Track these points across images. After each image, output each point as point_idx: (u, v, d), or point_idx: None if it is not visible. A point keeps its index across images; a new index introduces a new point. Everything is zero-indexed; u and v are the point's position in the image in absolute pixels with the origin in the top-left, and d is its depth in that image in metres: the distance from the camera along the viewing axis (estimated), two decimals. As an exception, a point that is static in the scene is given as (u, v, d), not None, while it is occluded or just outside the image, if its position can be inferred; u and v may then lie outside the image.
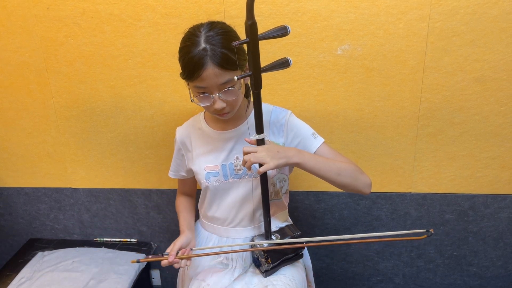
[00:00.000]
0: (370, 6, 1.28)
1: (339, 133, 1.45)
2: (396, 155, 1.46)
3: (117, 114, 1.51)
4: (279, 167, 0.97)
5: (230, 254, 1.17)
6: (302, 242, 1.14)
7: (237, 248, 1.15)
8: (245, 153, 0.98)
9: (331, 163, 1.04)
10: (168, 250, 1.06)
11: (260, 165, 0.96)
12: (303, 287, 1.15)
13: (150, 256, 1.03)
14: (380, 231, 1.58)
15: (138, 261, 1.03)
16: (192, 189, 1.32)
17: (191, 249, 1.10)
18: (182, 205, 1.27)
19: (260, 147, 0.98)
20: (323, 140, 1.12)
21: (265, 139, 1.01)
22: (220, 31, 0.97)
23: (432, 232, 0.99)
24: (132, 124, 1.52)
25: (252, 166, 1.00)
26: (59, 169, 1.64)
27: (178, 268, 1.29)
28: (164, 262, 1.03)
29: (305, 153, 1.03)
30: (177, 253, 1.05)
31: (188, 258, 1.06)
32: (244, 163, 0.97)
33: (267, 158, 0.95)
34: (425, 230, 0.99)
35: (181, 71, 1.01)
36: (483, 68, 1.32)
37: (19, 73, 1.49)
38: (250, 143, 1.02)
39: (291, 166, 1.17)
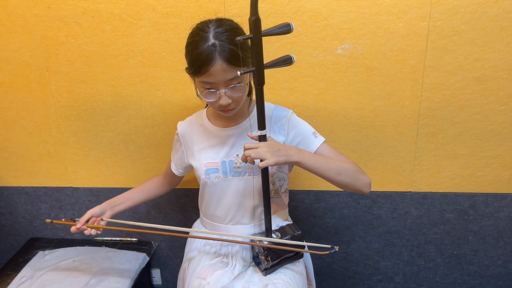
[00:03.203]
0: (371, 5, 1.28)
1: (339, 132, 1.45)
2: (396, 154, 1.46)
3: (117, 114, 1.51)
4: (278, 164, 0.97)
5: (230, 251, 1.17)
6: (303, 246, 1.15)
7: (245, 246, 1.16)
8: (246, 149, 0.98)
9: (331, 162, 1.05)
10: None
11: (261, 161, 0.96)
12: (303, 286, 1.15)
13: (63, 219, 1.17)
14: (380, 230, 1.58)
15: (52, 222, 1.16)
16: (172, 183, 1.35)
17: (102, 219, 1.18)
18: (141, 185, 1.34)
19: (262, 143, 0.98)
20: (323, 139, 1.13)
21: (267, 136, 1.01)
22: (228, 28, 0.97)
23: (337, 249, 1.06)
24: (132, 123, 1.52)
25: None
26: (60, 169, 1.64)
27: (179, 268, 1.30)
28: (72, 229, 1.14)
29: (305, 152, 1.03)
30: (88, 221, 1.16)
31: (98, 228, 1.15)
32: (245, 158, 0.97)
33: (268, 154, 0.95)
34: (329, 246, 1.07)
35: (187, 66, 1.02)
36: (484, 67, 1.32)
37: (20, 72, 1.50)
38: (252, 138, 1.02)
39: (291, 164, 1.18)
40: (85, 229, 1.14)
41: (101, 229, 1.16)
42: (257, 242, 1.11)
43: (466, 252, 1.59)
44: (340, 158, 1.11)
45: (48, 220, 1.16)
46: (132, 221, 1.67)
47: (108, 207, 1.22)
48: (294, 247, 1.12)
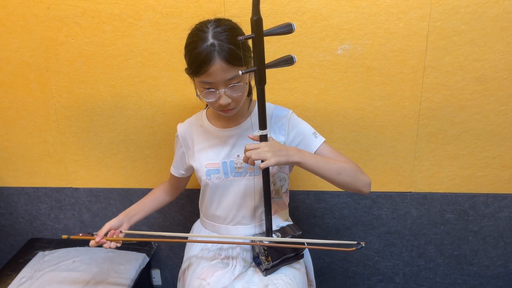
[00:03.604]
0: (371, 5, 1.28)
1: (339, 132, 1.45)
2: (396, 154, 1.46)
3: (117, 114, 1.51)
4: (279, 164, 0.97)
5: (230, 253, 1.17)
6: (303, 243, 1.15)
7: (246, 246, 1.15)
8: (247, 150, 0.98)
9: (331, 162, 1.05)
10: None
11: (262, 161, 0.96)
12: (303, 286, 1.15)
13: (80, 234, 1.13)
14: (380, 231, 1.58)
15: (68, 238, 1.10)
16: (178, 186, 1.33)
17: (121, 231, 1.15)
18: (151, 193, 1.32)
19: (263, 143, 0.98)
20: (323, 139, 1.13)
21: (268, 136, 1.01)
22: (227, 28, 0.98)
23: (363, 245, 1.03)
24: (132, 123, 1.52)
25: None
26: (60, 169, 1.64)
27: (179, 269, 1.30)
28: (91, 243, 1.10)
29: (306, 152, 1.04)
30: (107, 234, 1.12)
31: (117, 241, 1.11)
32: (246, 159, 0.97)
33: (269, 154, 0.95)
34: (356, 242, 1.04)
35: (186, 67, 1.02)
36: (484, 67, 1.32)
37: (20, 72, 1.49)
38: (253, 139, 1.02)
39: (292, 165, 1.18)
40: (104, 243, 1.11)
41: (121, 241, 1.13)
42: (258, 242, 1.11)
43: (466, 252, 1.59)
44: (340, 158, 1.11)
45: (64, 236, 1.11)
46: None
47: (125, 219, 1.19)
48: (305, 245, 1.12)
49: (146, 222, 1.68)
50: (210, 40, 0.95)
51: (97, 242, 1.10)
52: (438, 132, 1.42)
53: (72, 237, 1.12)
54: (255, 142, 1.01)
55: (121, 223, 1.17)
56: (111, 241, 1.11)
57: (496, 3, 1.24)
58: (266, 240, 1.10)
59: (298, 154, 1.00)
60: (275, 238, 1.11)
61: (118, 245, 1.12)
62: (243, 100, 1.06)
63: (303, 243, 1.15)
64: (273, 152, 0.96)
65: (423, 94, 1.37)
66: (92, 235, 1.12)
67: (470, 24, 1.27)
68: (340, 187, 1.08)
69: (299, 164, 1.01)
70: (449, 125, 1.40)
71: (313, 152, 1.11)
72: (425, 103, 1.38)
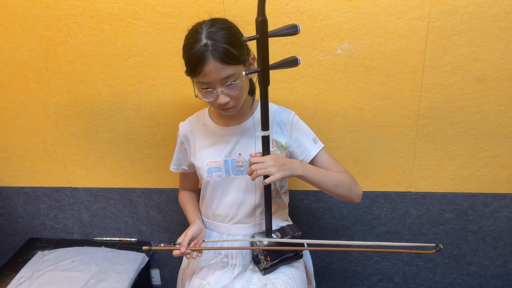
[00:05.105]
0: (370, 5, 1.28)
1: (338, 132, 1.45)
2: (395, 154, 1.46)
3: (116, 114, 1.51)
4: (283, 178, 1.00)
5: (230, 252, 1.17)
6: (302, 244, 1.15)
7: (246, 245, 1.16)
8: (252, 163, 0.99)
9: (329, 175, 1.08)
10: (179, 240, 1.04)
11: (266, 176, 0.98)
12: (302, 286, 1.15)
13: (162, 245, 1.02)
14: (380, 230, 1.58)
15: (150, 249, 1.01)
16: (194, 184, 1.33)
17: (203, 240, 1.09)
18: (187, 199, 1.29)
19: (267, 157, 1.00)
20: (322, 145, 1.16)
21: (271, 141, 1.02)
22: (221, 27, 0.99)
23: (441, 247, 1.00)
24: (131, 123, 1.52)
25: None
26: (59, 169, 1.64)
27: (179, 268, 1.30)
28: (176, 253, 1.02)
29: (308, 166, 1.07)
30: (189, 244, 1.04)
31: (200, 250, 1.05)
32: (251, 172, 0.99)
33: (274, 168, 0.98)
34: (434, 245, 1.00)
35: (185, 68, 1.02)
36: (483, 67, 1.32)
37: (19, 72, 1.49)
38: (255, 155, 1.03)
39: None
40: (189, 253, 1.02)
41: (203, 251, 1.07)
42: (258, 244, 1.11)
43: (466, 252, 1.59)
44: (337, 167, 1.14)
45: (145, 248, 1.00)
46: (131, 221, 1.69)
47: (201, 225, 1.13)
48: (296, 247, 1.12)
49: (145, 222, 1.68)
50: (204, 40, 0.96)
51: (182, 253, 1.01)
52: (437, 132, 1.42)
53: (154, 248, 1.02)
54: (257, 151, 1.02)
55: (200, 230, 1.11)
56: (193, 250, 1.03)
57: (495, 3, 1.24)
58: (266, 241, 1.10)
59: (301, 168, 1.04)
60: (275, 238, 1.11)
61: (200, 255, 1.06)
62: (243, 99, 1.07)
63: (302, 244, 1.15)
64: (278, 167, 0.98)
65: (423, 94, 1.37)
66: (174, 244, 1.02)
67: (469, 23, 1.27)
68: (335, 197, 1.12)
69: (301, 177, 1.04)
70: (448, 125, 1.40)
71: (311, 158, 1.13)
72: (424, 103, 1.38)
